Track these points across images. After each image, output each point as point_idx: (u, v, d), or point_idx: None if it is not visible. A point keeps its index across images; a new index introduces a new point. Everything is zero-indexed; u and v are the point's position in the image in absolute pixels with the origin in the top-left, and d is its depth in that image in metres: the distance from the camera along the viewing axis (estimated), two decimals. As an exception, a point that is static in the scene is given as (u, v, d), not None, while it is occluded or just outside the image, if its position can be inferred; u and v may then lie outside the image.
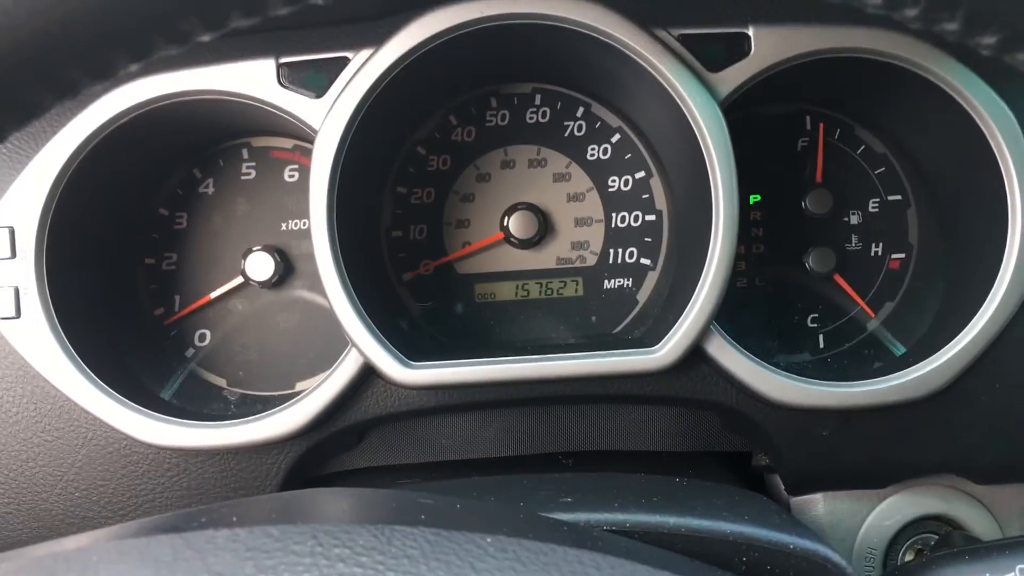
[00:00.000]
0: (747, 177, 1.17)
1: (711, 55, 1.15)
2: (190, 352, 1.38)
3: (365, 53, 1.15)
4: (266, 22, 0.58)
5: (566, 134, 1.38)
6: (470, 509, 0.77)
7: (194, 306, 1.37)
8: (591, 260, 1.39)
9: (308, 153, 1.34)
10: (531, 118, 1.38)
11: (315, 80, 1.16)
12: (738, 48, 1.16)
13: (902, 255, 1.38)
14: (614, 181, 1.38)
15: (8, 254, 1.17)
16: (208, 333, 1.38)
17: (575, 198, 1.39)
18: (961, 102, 1.16)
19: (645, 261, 1.38)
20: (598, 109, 1.38)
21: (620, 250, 1.39)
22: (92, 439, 1.20)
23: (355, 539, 0.64)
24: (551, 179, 1.38)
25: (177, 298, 1.38)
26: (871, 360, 1.29)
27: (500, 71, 1.35)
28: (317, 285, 1.34)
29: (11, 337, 1.18)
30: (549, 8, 1.12)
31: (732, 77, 1.15)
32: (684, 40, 1.15)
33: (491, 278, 1.39)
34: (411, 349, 1.19)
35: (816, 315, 1.38)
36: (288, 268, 1.37)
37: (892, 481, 1.28)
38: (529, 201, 1.37)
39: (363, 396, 1.20)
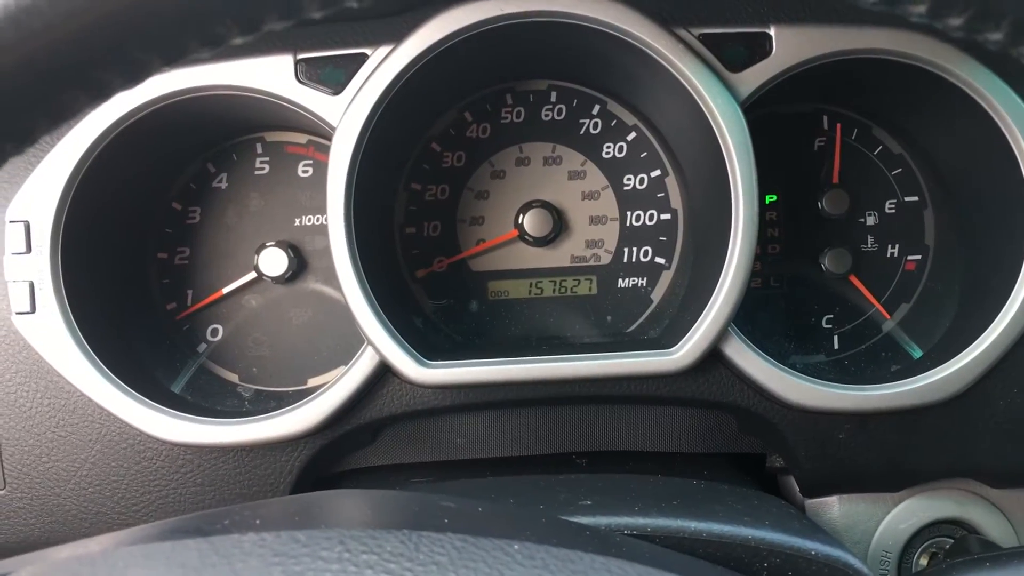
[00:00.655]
0: (763, 177, 1.16)
1: (732, 55, 1.15)
2: (202, 347, 1.37)
3: (384, 50, 1.14)
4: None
5: (582, 132, 1.37)
6: (494, 513, 0.77)
7: (206, 301, 1.37)
8: (605, 259, 1.38)
9: (322, 148, 1.34)
10: (547, 115, 1.38)
11: (333, 76, 1.16)
12: (759, 48, 1.15)
13: (918, 256, 1.37)
14: (629, 179, 1.37)
15: (23, 248, 1.16)
16: (220, 328, 1.38)
17: (590, 196, 1.38)
18: (981, 103, 1.15)
19: (660, 260, 1.38)
20: (614, 107, 1.37)
21: (635, 249, 1.38)
22: (106, 435, 1.20)
23: (383, 545, 0.63)
24: (566, 177, 1.38)
25: (190, 293, 1.38)
26: (888, 363, 1.29)
27: (516, 68, 1.34)
28: (330, 281, 1.34)
29: (26, 332, 1.17)
30: (570, 6, 1.11)
31: (753, 77, 1.15)
32: (705, 39, 1.14)
33: (505, 276, 1.38)
34: (426, 347, 1.18)
35: (831, 316, 1.37)
36: (301, 264, 1.36)
37: (907, 484, 1.27)
38: (544, 199, 1.36)
39: (378, 394, 1.20)
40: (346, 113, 1.14)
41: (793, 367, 1.19)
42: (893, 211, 1.37)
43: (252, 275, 1.35)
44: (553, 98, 1.37)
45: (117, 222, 1.29)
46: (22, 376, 1.19)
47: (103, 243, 1.26)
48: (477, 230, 1.38)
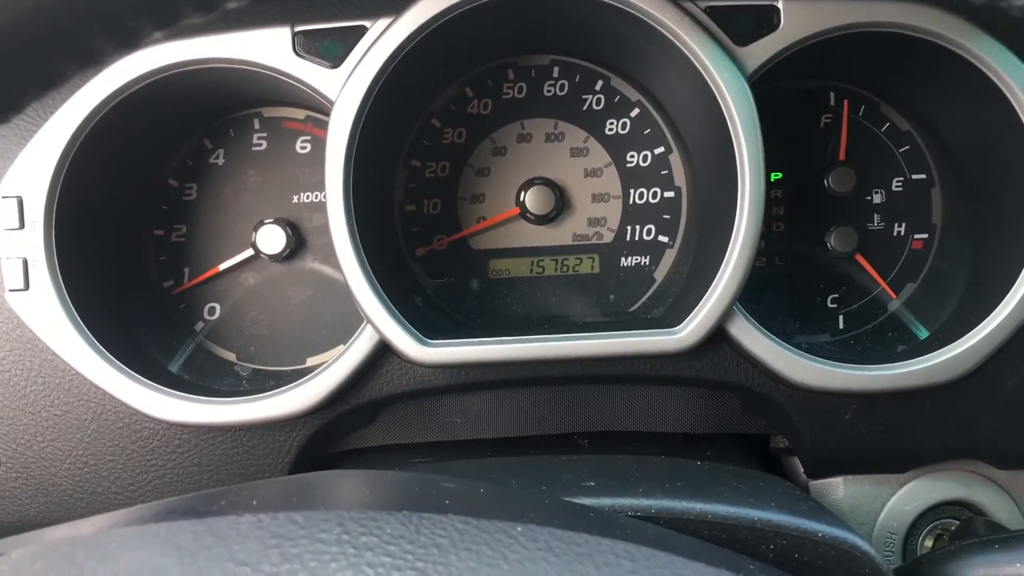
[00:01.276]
0: (769, 154, 1.14)
1: (739, 28, 1.12)
2: (199, 325, 1.35)
3: (383, 22, 1.12)
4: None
5: (584, 108, 1.35)
6: (496, 494, 0.75)
7: (203, 277, 1.35)
8: (608, 237, 1.36)
9: (320, 124, 1.32)
10: (549, 91, 1.35)
11: (331, 49, 1.13)
12: (767, 21, 1.12)
13: (925, 235, 1.35)
14: (632, 156, 1.35)
15: (16, 224, 1.14)
16: (218, 306, 1.36)
17: (592, 173, 1.36)
18: (994, 79, 1.13)
19: (663, 238, 1.36)
20: (617, 82, 1.35)
21: (638, 227, 1.36)
22: (102, 414, 1.18)
23: (383, 527, 0.62)
24: (568, 154, 1.36)
25: (186, 270, 1.36)
26: (894, 343, 1.27)
27: (518, 43, 1.32)
28: (329, 259, 1.32)
29: (19, 309, 1.16)
30: (574, -22, 1.09)
31: (760, 51, 1.12)
32: (712, 12, 1.12)
33: (506, 254, 1.37)
34: (426, 326, 1.16)
35: (837, 295, 1.36)
36: (299, 241, 1.34)
37: (913, 465, 1.26)
38: (546, 176, 1.34)
39: (378, 374, 1.18)
40: (345, 87, 1.12)
41: (798, 347, 1.17)
42: (900, 189, 1.35)
43: (249, 252, 1.33)
44: (555, 73, 1.35)
45: (112, 198, 1.27)
46: (16, 355, 1.17)
47: (98, 219, 1.24)
48: (478, 208, 1.36)
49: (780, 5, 1.12)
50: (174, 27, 0.54)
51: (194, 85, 1.19)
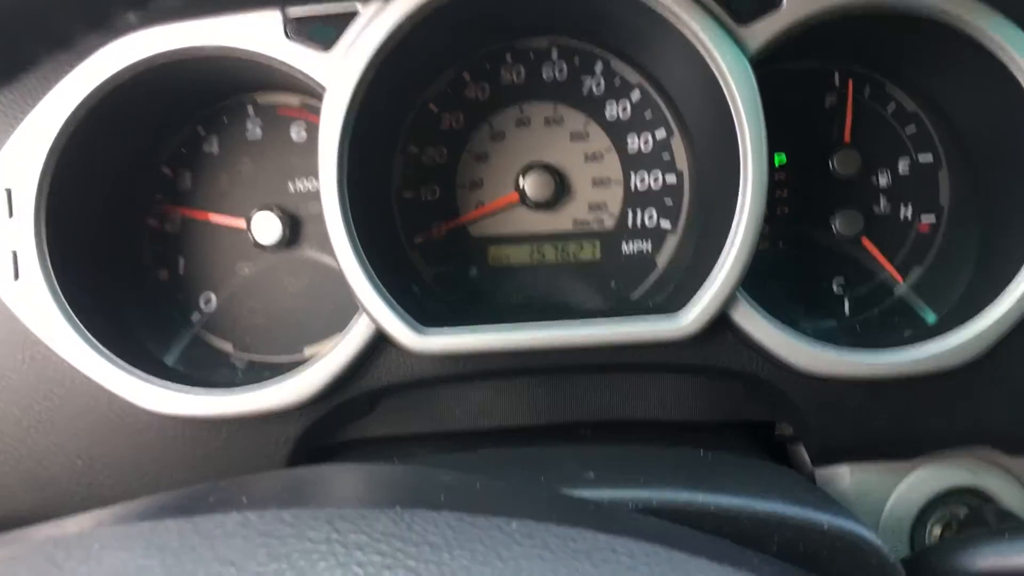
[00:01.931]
0: (772, 136, 1.11)
1: (740, 6, 1.09)
2: (195, 316, 1.34)
3: (375, 5, 1.09)
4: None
5: (584, 91, 1.33)
6: (492, 489, 0.73)
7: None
8: (609, 223, 1.34)
9: (316, 111, 1.29)
10: (547, 74, 1.33)
11: (323, 33, 1.11)
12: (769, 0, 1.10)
13: (932, 218, 1.33)
14: (633, 140, 1.33)
15: (5, 215, 1.12)
16: (213, 297, 1.34)
17: (593, 158, 1.33)
18: (1002, 57, 1.11)
19: (665, 224, 1.34)
20: (617, 65, 1.32)
21: (639, 212, 1.34)
22: (95, 407, 1.16)
23: (373, 524, 0.60)
24: (568, 138, 1.33)
25: (181, 260, 1.34)
26: (902, 327, 1.25)
27: (516, 25, 1.29)
28: (325, 248, 1.30)
29: (9, 301, 1.14)
30: (570, -43, 1.07)
31: (763, 30, 1.10)
32: (712, -9, 1.09)
33: (505, 241, 1.34)
34: (424, 315, 1.14)
35: (842, 279, 1.33)
36: (295, 230, 1.32)
37: (921, 452, 1.24)
38: (545, 161, 1.32)
39: (375, 364, 1.16)
40: (337, 71, 1.10)
41: (803, 332, 1.15)
42: (906, 171, 1.32)
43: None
44: (554, 56, 1.32)
45: (104, 188, 1.25)
46: (7, 347, 1.16)
47: (90, 209, 1.22)
48: (476, 194, 1.34)
49: (783, -18, 1.10)
50: (149, 10, 0.52)
51: (186, 71, 1.17)
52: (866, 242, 1.32)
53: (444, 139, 1.33)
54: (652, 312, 1.16)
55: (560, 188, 1.31)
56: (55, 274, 1.14)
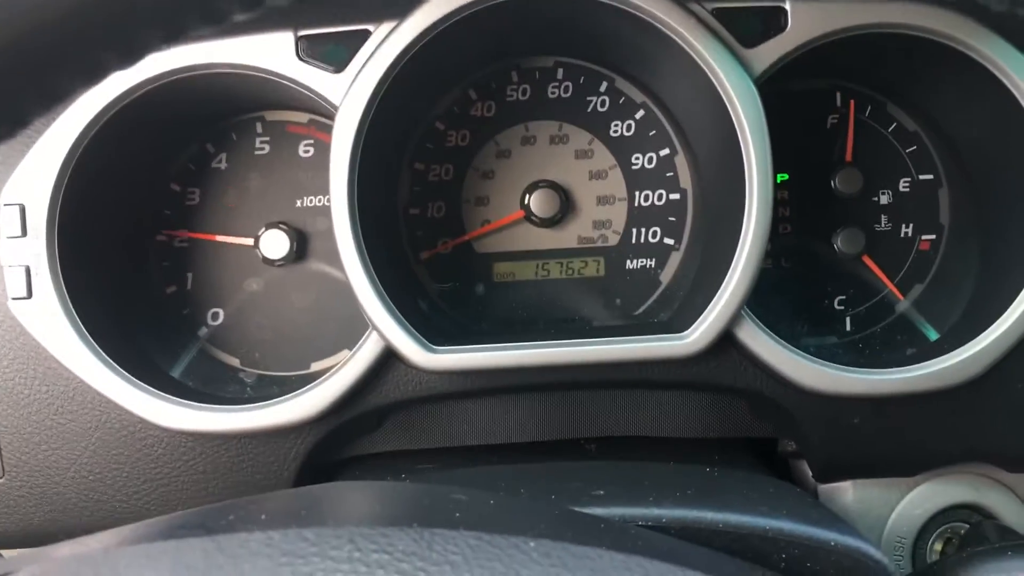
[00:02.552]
0: (775, 155, 1.13)
1: (746, 30, 1.11)
2: (203, 331, 1.35)
3: (387, 26, 1.11)
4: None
5: (589, 110, 1.34)
6: (507, 507, 0.74)
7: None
8: (613, 240, 1.35)
9: (324, 128, 1.31)
10: (553, 93, 1.34)
11: (335, 54, 1.12)
12: (774, 23, 1.11)
13: (933, 236, 1.34)
14: (638, 159, 1.34)
15: (19, 232, 1.13)
16: (221, 312, 1.35)
17: (597, 176, 1.35)
18: (1002, 79, 1.12)
19: (669, 241, 1.35)
20: (622, 84, 1.34)
21: (643, 229, 1.35)
22: (106, 422, 1.17)
23: (394, 543, 0.61)
24: (573, 156, 1.35)
25: (189, 276, 1.35)
26: (904, 345, 1.26)
27: (522, 44, 1.31)
28: (333, 263, 1.31)
29: (23, 317, 1.15)
30: (579, -21, 1.08)
31: (768, 53, 1.11)
32: (719, 14, 1.11)
33: (511, 257, 1.36)
34: (432, 331, 1.16)
35: (844, 297, 1.35)
36: (303, 246, 1.33)
37: (923, 469, 1.25)
38: (550, 178, 1.33)
39: (383, 380, 1.17)
40: (349, 92, 1.11)
41: (806, 349, 1.16)
42: (907, 189, 1.34)
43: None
44: (560, 75, 1.34)
45: (115, 204, 1.26)
46: (19, 363, 1.17)
47: (101, 226, 1.23)
48: (482, 211, 1.35)
49: (788, 7, 1.11)
50: (181, 40, 0.53)
51: (196, 90, 1.18)
52: (867, 260, 1.34)
53: (450, 156, 1.34)
54: (657, 329, 1.18)
55: (565, 205, 1.33)
56: (67, 291, 1.15)
